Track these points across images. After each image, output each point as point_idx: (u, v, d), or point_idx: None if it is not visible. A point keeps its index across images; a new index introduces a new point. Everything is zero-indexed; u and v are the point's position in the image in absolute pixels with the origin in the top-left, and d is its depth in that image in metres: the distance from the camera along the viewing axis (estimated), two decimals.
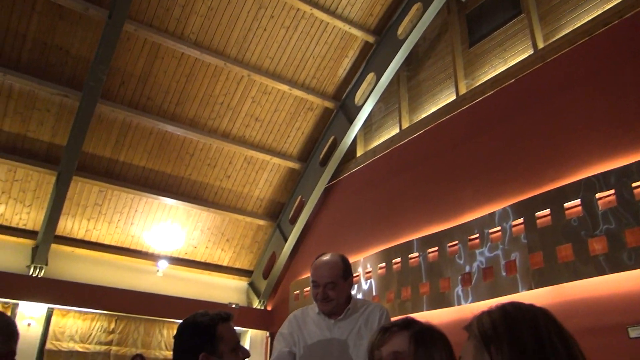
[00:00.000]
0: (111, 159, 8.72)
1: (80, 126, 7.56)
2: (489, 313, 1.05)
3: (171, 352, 8.06)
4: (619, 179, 4.62)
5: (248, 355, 1.71)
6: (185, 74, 8.43)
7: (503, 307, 1.04)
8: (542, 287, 4.97)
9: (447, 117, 7.15)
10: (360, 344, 2.22)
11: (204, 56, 8.19)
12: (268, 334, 10.26)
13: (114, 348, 8.95)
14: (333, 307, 2.30)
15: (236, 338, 1.69)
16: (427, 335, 1.24)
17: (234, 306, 9.58)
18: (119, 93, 8.25)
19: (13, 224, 8.52)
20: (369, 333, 2.22)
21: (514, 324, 0.99)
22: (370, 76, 8.64)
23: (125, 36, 7.70)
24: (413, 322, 1.28)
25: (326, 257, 2.36)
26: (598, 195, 4.77)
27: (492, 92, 6.52)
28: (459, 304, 5.88)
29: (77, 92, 7.74)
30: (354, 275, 7.70)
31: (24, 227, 8.60)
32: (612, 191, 4.66)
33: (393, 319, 1.49)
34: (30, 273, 8.32)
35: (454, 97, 7.21)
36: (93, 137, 8.33)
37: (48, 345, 8.34)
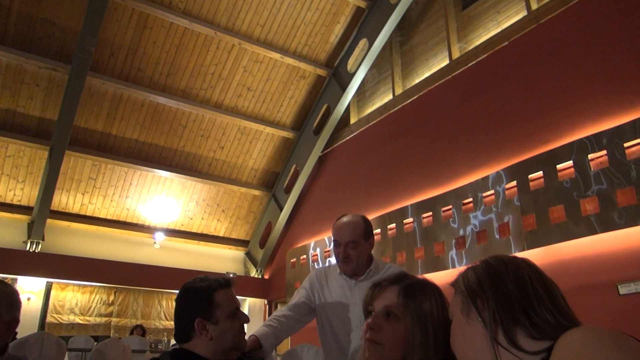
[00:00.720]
0: (103, 133, 8.67)
1: (71, 100, 7.48)
2: (473, 268, 1.06)
3: (171, 322, 8.22)
4: (611, 139, 4.64)
5: (247, 321, 1.72)
6: (175, 44, 8.30)
7: (486, 261, 1.06)
8: (535, 248, 5.04)
9: (440, 82, 7.11)
10: None
11: (194, 25, 8.05)
12: (266, 301, 10.42)
13: (114, 319, 9.09)
14: (353, 267, 2.31)
15: (234, 304, 1.68)
16: (417, 287, 1.26)
17: (231, 275, 9.68)
18: (108, 65, 8.14)
19: (7, 200, 8.52)
20: None
21: (497, 275, 1.01)
22: (363, 42, 8.54)
23: (113, 6, 7.55)
24: (404, 276, 1.30)
25: (347, 218, 2.37)
26: (590, 156, 4.79)
27: (485, 55, 6.47)
28: (454, 267, 5.97)
29: (66, 65, 7.62)
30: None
31: (18, 203, 8.61)
32: (604, 152, 4.69)
33: None
34: (27, 248, 8.36)
35: (447, 62, 7.15)
36: (84, 110, 8.25)
37: (49, 319, 8.46)
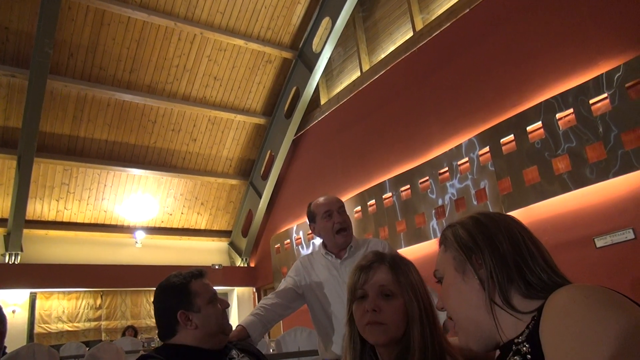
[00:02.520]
0: (71, 136, 8.48)
1: (34, 105, 7.28)
2: (462, 224, 1.06)
3: None
4: (577, 97, 4.74)
5: (227, 306, 1.80)
6: (135, 39, 8.13)
7: (476, 218, 1.06)
8: (513, 210, 5.15)
9: (406, 54, 7.12)
10: None
11: (152, 18, 7.87)
12: (254, 289, 10.46)
13: (103, 323, 9.03)
14: (351, 238, 2.36)
15: (212, 291, 1.74)
16: (400, 262, 1.31)
17: (217, 267, 9.70)
18: (68, 66, 7.93)
19: None
20: None
21: (490, 233, 1.01)
22: (326, 21, 8.48)
23: (67, 5, 7.33)
24: (382, 254, 1.33)
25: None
26: (558, 115, 4.89)
27: (448, 24, 6.49)
28: (435, 237, 6.07)
29: (24, 70, 7.40)
30: None
31: None
32: (571, 110, 4.79)
33: None
34: (7, 261, 8.20)
35: (411, 34, 7.17)
36: (49, 115, 8.05)
37: (37, 329, 8.35)
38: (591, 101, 4.64)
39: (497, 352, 1.05)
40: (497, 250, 0.99)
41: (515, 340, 0.93)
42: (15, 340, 7.34)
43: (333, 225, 2.33)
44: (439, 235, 6.00)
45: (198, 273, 1.77)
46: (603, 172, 4.46)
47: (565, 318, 0.80)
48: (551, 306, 0.85)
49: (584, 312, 0.78)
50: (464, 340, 1.04)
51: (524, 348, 0.89)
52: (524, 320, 0.94)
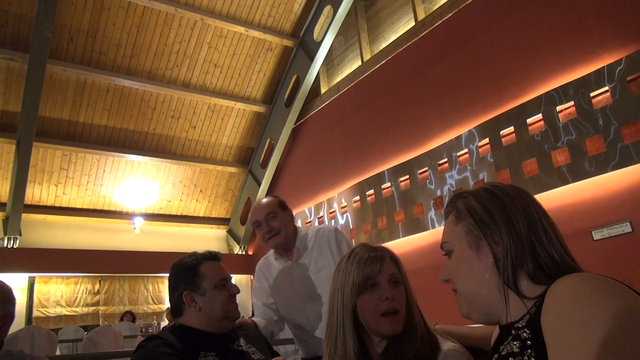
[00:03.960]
0: (70, 121, 8.46)
1: (33, 90, 7.25)
2: (474, 195, 1.02)
3: (159, 306, 8.18)
4: (577, 90, 4.74)
5: (237, 291, 1.79)
6: (136, 24, 8.08)
7: (490, 190, 1.02)
8: None
9: (407, 44, 7.10)
10: (320, 275, 2.28)
11: (153, 3, 7.81)
12: (252, 277, 10.48)
13: (101, 308, 9.07)
14: (283, 239, 2.30)
15: (221, 275, 1.74)
16: (392, 252, 1.36)
17: None
18: (68, 51, 7.89)
19: None
20: (325, 259, 2.29)
21: (507, 209, 0.97)
22: (327, 9, 8.44)
23: None
24: (383, 247, 1.36)
25: (260, 202, 2.40)
26: (558, 108, 4.90)
27: (450, 14, 6.47)
28: (433, 227, 6.10)
29: (24, 54, 7.36)
30: (330, 211, 7.85)
31: None
32: (572, 103, 4.79)
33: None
34: (5, 245, 8.22)
35: (413, 24, 7.13)
36: (48, 100, 8.02)
37: (35, 313, 8.39)
38: (592, 94, 4.64)
39: (496, 332, 1.05)
40: (513, 228, 0.95)
41: (515, 325, 0.92)
42: (13, 323, 7.37)
43: (263, 234, 2.31)
44: (437, 226, 6.05)
45: (211, 255, 1.78)
46: (602, 165, 4.47)
47: (569, 307, 0.78)
48: (555, 294, 0.84)
49: (588, 303, 0.77)
50: (466, 310, 1.01)
51: (524, 334, 0.88)
52: (526, 304, 0.92)
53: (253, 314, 2.42)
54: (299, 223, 8.77)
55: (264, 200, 2.37)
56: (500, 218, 0.96)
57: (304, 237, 2.38)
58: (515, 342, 0.89)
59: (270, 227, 2.28)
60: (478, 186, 1.05)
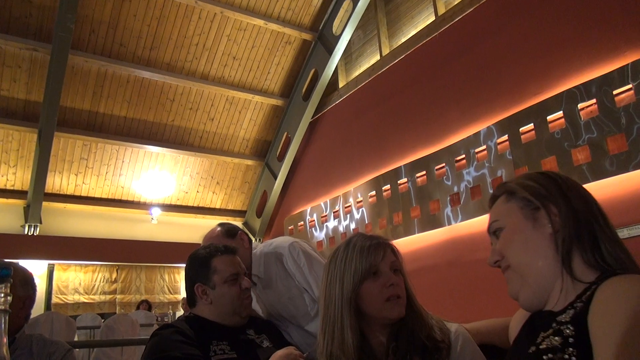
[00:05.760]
0: (91, 112, 8.57)
1: (55, 80, 7.36)
2: (528, 177, 1.01)
3: (175, 296, 8.28)
4: (600, 87, 4.66)
5: (249, 286, 1.80)
6: (156, 17, 8.14)
7: (543, 173, 1.01)
8: None
9: (427, 39, 7.04)
10: (275, 294, 2.12)
11: None
12: None
13: (118, 296, 9.21)
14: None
15: (233, 270, 1.75)
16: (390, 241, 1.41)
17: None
18: (90, 42, 7.98)
19: (1, 186, 8.48)
20: (283, 277, 2.10)
21: (563, 186, 0.96)
22: (347, 3, 8.40)
23: None
24: (380, 236, 1.37)
25: (215, 240, 2.05)
26: (580, 105, 4.81)
27: (471, 9, 6.39)
28: (449, 224, 6.06)
29: (47, 44, 7.47)
30: (346, 205, 7.84)
31: (12, 188, 8.57)
32: (594, 100, 4.71)
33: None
34: (26, 232, 8.38)
35: (433, 18, 7.07)
36: (69, 90, 8.14)
37: (54, 300, 8.56)
38: (615, 92, 4.55)
39: (518, 319, 1.02)
40: (570, 203, 0.93)
41: (557, 319, 0.88)
42: (33, 309, 7.53)
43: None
44: (452, 222, 6.00)
45: (225, 249, 1.79)
46: (623, 165, 4.40)
47: (630, 316, 0.73)
48: (609, 296, 0.79)
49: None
50: (516, 288, 0.97)
51: (568, 330, 0.84)
52: (574, 290, 0.88)
53: None
54: (314, 217, 8.78)
55: (229, 245, 1.98)
56: (557, 192, 0.95)
57: (257, 259, 2.15)
58: (556, 337, 0.85)
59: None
60: (527, 173, 1.03)
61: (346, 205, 7.96)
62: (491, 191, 5.50)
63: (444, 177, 6.24)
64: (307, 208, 9.06)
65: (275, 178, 9.90)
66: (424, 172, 6.56)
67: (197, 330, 1.64)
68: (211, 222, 10.31)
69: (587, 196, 0.96)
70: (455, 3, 6.73)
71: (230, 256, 1.78)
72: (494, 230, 1.02)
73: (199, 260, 1.75)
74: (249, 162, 10.28)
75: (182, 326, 1.64)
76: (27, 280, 1.86)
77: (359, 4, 8.00)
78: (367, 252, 1.28)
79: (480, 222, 5.56)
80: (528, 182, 0.99)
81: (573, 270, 0.89)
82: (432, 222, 6.32)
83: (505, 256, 0.98)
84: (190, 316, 1.74)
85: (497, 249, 1.00)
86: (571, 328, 0.83)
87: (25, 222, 8.44)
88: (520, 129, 5.35)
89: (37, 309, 7.95)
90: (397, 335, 1.24)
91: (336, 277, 1.28)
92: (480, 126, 5.89)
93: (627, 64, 4.48)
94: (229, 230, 2.15)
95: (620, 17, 4.70)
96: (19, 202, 8.60)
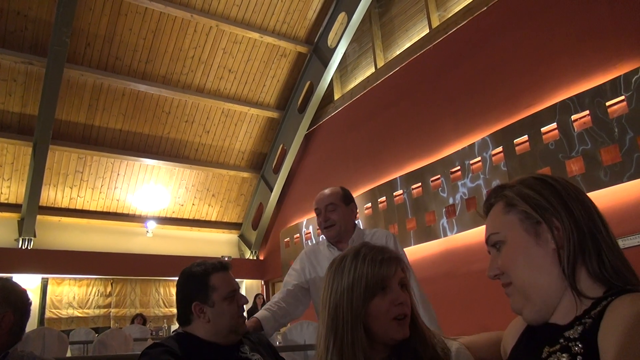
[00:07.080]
0: (86, 125, 8.57)
1: (50, 93, 7.36)
2: (525, 184, 0.96)
3: (170, 309, 8.19)
4: (593, 99, 4.69)
5: (246, 302, 1.78)
6: (152, 30, 8.17)
7: (541, 179, 0.96)
8: None
9: (421, 52, 7.08)
10: None
11: (169, 9, 7.90)
12: (263, 282, 10.50)
13: (113, 310, 9.13)
14: (337, 232, 2.30)
15: (231, 287, 1.72)
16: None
17: (226, 259, 9.73)
18: (85, 55, 8.00)
19: None
20: None
21: (562, 195, 0.91)
22: (342, 16, 8.46)
23: None
24: (387, 248, 1.32)
25: (326, 189, 2.42)
26: (573, 117, 4.84)
27: (464, 22, 6.44)
28: (445, 235, 6.05)
29: (42, 58, 7.48)
30: None
31: (6, 202, 8.53)
32: (587, 112, 4.73)
33: None
34: (20, 246, 8.32)
35: (427, 31, 7.12)
36: (65, 103, 8.13)
37: (47, 314, 8.47)
38: (608, 103, 4.59)
39: (513, 330, 0.99)
40: (572, 214, 0.88)
41: (565, 334, 0.84)
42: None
43: (320, 223, 2.35)
44: (448, 234, 5.99)
45: (221, 265, 1.75)
46: (617, 176, 4.41)
47: None
48: (623, 314, 0.75)
49: None
50: (520, 305, 0.93)
51: (576, 347, 0.80)
52: (580, 305, 0.85)
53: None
54: (310, 229, 8.76)
55: (328, 189, 2.40)
56: (557, 201, 0.90)
57: (361, 232, 2.39)
58: (564, 354, 0.82)
59: (326, 218, 2.31)
60: (523, 176, 0.99)
61: None
62: None
63: (440, 189, 6.24)
64: (303, 220, 9.04)
65: (271, 190, 9.88)
66: (420, 184, 6.57)
67: (188, 350, 1.60)
68: (206, 235, 10.30)
69: (587, 203, 0.91)
70: (449, 16, 6.79)
71: (227, 273, 1.75)
72: (493, 243, 0.98)
73: (196, 278, 1.70)
74: (245, 174, 10.27)
75: (172, 345, 1.60)
76: (3, 297, 1.78)
77: (354, 16, 8.05)
78: (379, 265, 1.20)
79: (476, 234, 5.55)
80: (527, 192, 0.94)
81: (579, 285, 0.86)
82: (428, 233, 6.31)
83: (507, 273, 0.95)
84: (182, 334, 1.69)
85: (499, 265, 0.96)
86: (580, 345, 0.80)
87: (19, 235, 8.38)
88: (515, 141, 5.37)
89: (31, 324, 7.84)
90: (400, 355, 1.20)
91: (344, 288, 1.20)
92: (475, 138, 5.90)
93: (620, 76, 4.51)
94: (345, 196, 2.39)
95: (612, 30, 4.75)
96: (13, 216, 8.55)
